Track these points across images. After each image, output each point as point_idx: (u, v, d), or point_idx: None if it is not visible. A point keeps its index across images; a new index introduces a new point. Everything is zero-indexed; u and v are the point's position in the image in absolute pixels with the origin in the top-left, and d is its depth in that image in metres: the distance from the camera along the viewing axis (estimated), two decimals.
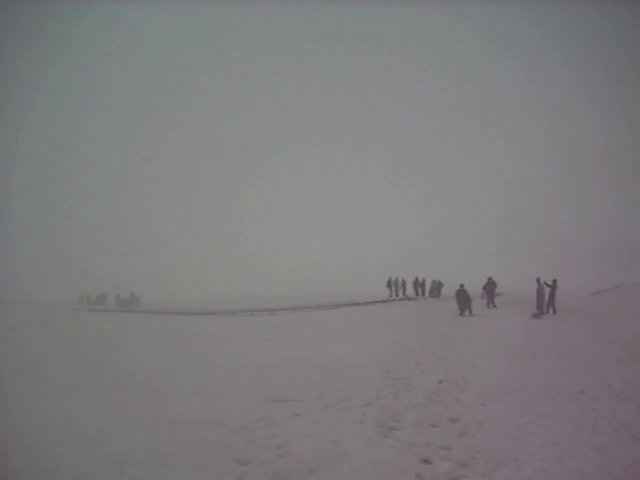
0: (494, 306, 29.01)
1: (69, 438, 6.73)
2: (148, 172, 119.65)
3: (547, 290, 23.27)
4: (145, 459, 6.00)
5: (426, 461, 5.90)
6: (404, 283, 40.27)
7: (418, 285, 39.74)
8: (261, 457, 6.16)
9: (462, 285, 26.23)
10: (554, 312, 22.95)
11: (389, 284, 40.96)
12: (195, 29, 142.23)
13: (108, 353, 15.70)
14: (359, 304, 35.79)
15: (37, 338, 19.08)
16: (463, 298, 25.57)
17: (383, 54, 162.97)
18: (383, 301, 37.36)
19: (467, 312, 25.26)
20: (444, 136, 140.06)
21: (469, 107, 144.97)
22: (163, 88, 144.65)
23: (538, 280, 23.37)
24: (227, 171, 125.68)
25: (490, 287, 29.68)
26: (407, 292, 40.04)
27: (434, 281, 38.68)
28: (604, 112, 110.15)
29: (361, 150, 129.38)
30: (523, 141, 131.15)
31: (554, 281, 23.42)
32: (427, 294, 39.17)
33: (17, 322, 24.96)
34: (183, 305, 39.83)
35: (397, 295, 40.03)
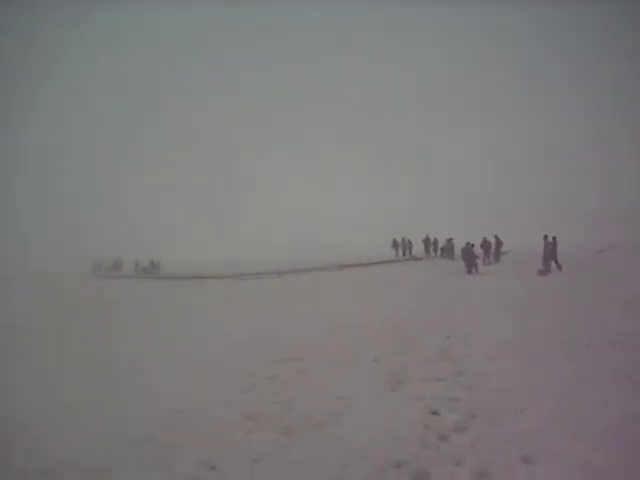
0: (489, 263, 29.30)
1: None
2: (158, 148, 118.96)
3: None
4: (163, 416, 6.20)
5: (435, 413, 6.03)
6: (410, 243, 39.89)
7: (429, 244, 39.11)
8: (269, 412, 6.33)
9: (469, 243, 26.32)
10: (559, 268, 22.95)
11: (394, 244, 40.84)
12: (186, 25, 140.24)
13: (144, 321, 16.01)
14: (363, 265, 35.85)
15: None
16: (470, 256, 25.65)
17: (374, 45, 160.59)
18: (388, 262, 37.29)
19: (474, 270, 25.36)
20: (440, 126, 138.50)
21: (465, 97, 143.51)
22: (161, 86, 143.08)
23: (545, 237, 23.32)
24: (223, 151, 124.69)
25: (486, 245, 29.99)
26: (413, 252, 39.73)
27: (448, 240, 36.94)
28: (600, 103, 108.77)
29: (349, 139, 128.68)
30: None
31: (554, 238, 23.37)
32: (439, 253, 38.18)
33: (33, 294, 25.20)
34: (201, 270, 39.69)
35: (404, 255, 39.80)
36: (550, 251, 23.02)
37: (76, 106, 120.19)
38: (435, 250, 38.39)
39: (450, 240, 35.55)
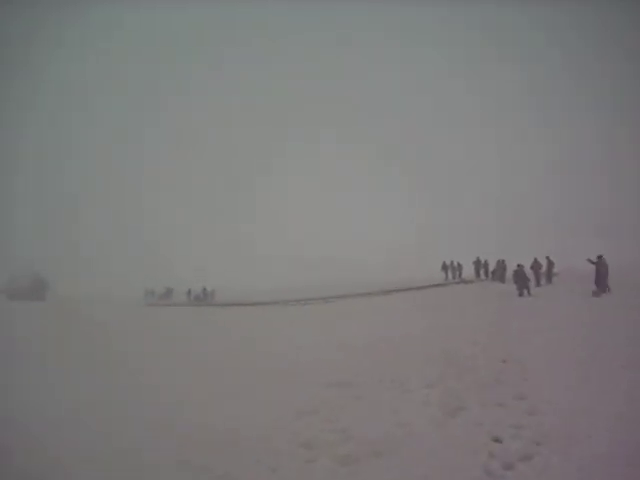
0: (541, 284, 28.51)
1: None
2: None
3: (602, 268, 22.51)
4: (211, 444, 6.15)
5: (497, 440, 5.82)
6: (460, 266, 39.40)
7: (480, 266, 38.45)
8: (325, 440, 6.20)
9: (519, 265, 25.77)
10: (608, 289, 22.18)
11: (444, 267, 40.36)
12: (186, 25, 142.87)
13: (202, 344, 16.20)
14: (411, 289, 35.43)
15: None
16: (521, 278, 25.09)
17: (374, 45, 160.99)
18: (437, 285, 36.78)
19: (525, 292, 24.77)
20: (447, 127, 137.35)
21: (467, 100, 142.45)
22: (161, 86, 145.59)
23: (599, 257, 22.64)
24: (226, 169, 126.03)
25: (537, 266, 29.24)
26: (463, 275, 39.16)
27: (499, 261, 36.03)
28: (603, 106, 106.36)
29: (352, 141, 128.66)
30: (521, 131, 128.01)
31: (600, 257, 22.64)
32: (490, 276, 37.34)
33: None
34: (251, 297, 39.92)
35: (453, 278, 39.27)
36: (603, 272, 22.29)
37: (76, 106, 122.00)
38: (486, 273, 37.66)
39: (502, 262, 34.69)
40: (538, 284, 28.39)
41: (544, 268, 29.65)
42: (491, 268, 36.63)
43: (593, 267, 22.63)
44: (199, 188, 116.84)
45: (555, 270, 30.22)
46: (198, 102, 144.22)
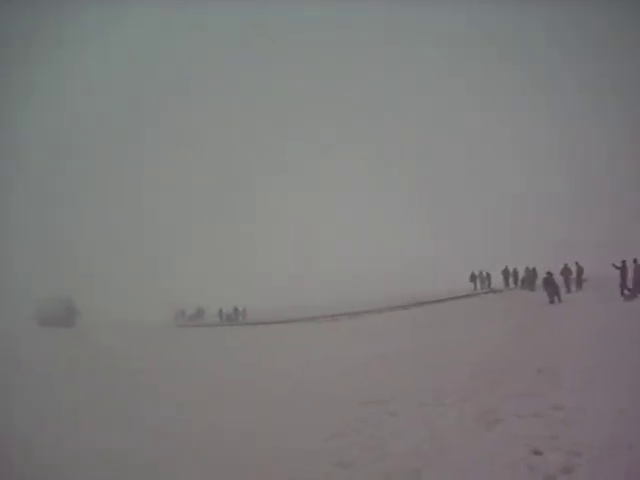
0: (571, 291, 28.08)
1: None
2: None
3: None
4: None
5: (537, 452, 5.70)
6: (489, 275, 39.06)
7: (508, 275, 38.05)
8: (363, 459, 6.14)
9: (549, 273, 25.47)
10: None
11: (472, 277, 40.03)
12: (186, 25, 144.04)
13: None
14: (440, 301, 35.18)
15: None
16: (551, 285, 24.80)
17: (374, 45, 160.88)
18: (466, 296, 36.45)
19: (556, 299, 24.46)
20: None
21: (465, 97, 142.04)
22: (161, 86, 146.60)
23: (624, 262, 22.25)
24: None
25: (567, 273, 28.86)
26: (492, 285, 38.77)
27: (528, 269, 35.53)
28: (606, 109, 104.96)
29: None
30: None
31: (624, 262, 22.23)
32: (519, 285, 36.87)
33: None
34: (283, 315, 39.89)
35: (482, 288, 38.91)
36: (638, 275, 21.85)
37: (76, 106, 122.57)
38: (515, 281, 37.25)
39: (533, 270, 34.19)
40: (569, 290, 28.02)
41: (574, 274, 29.27)
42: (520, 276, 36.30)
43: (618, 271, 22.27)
44: (199, 188, 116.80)
45: (584, 276, 29.81)
46: (198, 102, 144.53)
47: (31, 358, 18.15)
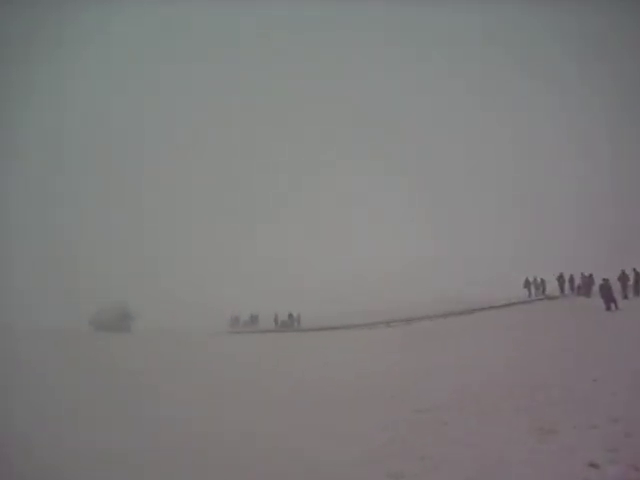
0: (625, 298, 27.23)
1: None
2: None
3: None
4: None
5: (593, 465, 5.59)
6: (543, 282, 38.25)
7: (564, 281, 37.13)
8: (415, 470, 6.11)
9: (605, 279, 24.82)
10: None
11: (527, 284, 39.25)
12: (186, 25, 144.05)
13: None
14: (494, 307, 34.58)
15: None
16: (608, 292, 24.15)
17: (374, 45, 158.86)
18: (520, 302, 35.71)
19: (613, 306, 23.79)
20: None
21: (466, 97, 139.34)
22: (161, 86, 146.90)
23: None
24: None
25: (624, 279, 28.04)
26: (547, 291, 37.95)
27: (584, 276, 34.58)
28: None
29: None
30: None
31: None
32: (575, 291, 35.95)
33: None
34: (339, 321, 39.77)
35: (536, 295, 38.10)
36: None
37: (76, 106, 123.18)
38: (572, 287, 36.35)
39: (589, 276, 33.30)
40: (625, 297, 27.24)
41: (631, 280, 28.45)
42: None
43: None
44: (199, 188, 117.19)
45: None
46: (198, 102, 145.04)
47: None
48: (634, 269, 28.48)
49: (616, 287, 26.21)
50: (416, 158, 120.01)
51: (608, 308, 23.59)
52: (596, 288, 27.05)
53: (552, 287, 37.26)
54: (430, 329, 27.22)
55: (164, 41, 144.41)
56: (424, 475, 5.95)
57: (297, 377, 15.65)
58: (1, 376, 13.71)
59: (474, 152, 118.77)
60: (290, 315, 46.15)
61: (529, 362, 12.73)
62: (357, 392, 11.70)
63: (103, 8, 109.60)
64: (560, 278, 36.75)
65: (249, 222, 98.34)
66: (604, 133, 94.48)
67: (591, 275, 32.64)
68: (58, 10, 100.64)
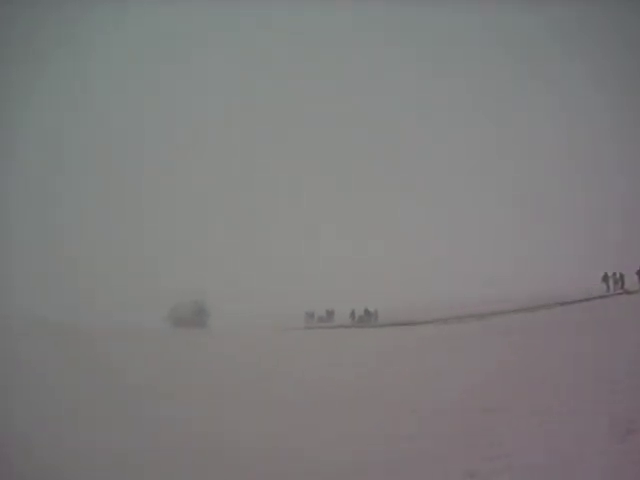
0: None
1: None
2: None
3: None
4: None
5: None
6: (622, 276, 37.01)
7: None
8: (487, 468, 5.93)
9: None
10: None
11: (605, 278, 38.09)
12: (186, 25, 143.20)
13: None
14: (567, 303, 33.40)
15: None
16: None
17: (374, 45, 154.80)
18: (597, 297, 34.46)
19: None
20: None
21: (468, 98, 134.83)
22: (161, 86, 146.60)
23: None
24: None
25: None
26: (626, 286, 36.63)
27: None
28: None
29: None
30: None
31: None
32: None
33: None
34: (415, 315, 39.25)
35: (614, 290, 36.86)
36: None
37: (76, 106, 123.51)
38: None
39: None
40: None
41: None
42: None
43: None
44: (199, 188, 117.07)
45: None
46: (198, 102, 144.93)
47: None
48: None
49: None
50: (416, 157, 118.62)
51: None
52: None
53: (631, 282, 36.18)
54: (498, 326, 26.56)
55: (165, 41, 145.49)
56: (496, 475, 5.76)
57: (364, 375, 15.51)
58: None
59: (473, 152, 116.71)
60: (366, 310, 45.61)
61: (606, 358, 12.28)
62: (424, 390, 11.53)
63: (104, 8, 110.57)
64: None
65: (314, 220, 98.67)
66: (604, 133, 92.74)
67: None
68: (58, 10, 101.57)
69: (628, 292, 34.49)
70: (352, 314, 45.99)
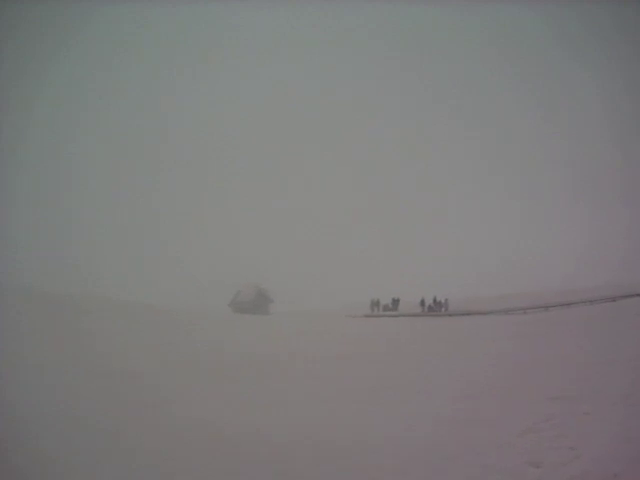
0: None
1: None
2: None
3: None
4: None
5: None
6: None
7: None
8: (554, 459, 5.87)
9: None
10: None
11: None
12: (186, 25, 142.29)
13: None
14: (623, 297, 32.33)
15: None
16: None
17: (374, 45, 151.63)
18: None
19: None
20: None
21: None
22: (161, 86, 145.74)
23: None
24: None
25: None
26: None
27: None
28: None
29: None
30: None
31: None
32: None
33: None
34: (490, 305, 38.89)
35: None
36: None
37: (76, 106, 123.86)
38: None
39: None
40: None
41: None
42: None
43: None
44: (265, 176, 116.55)
45: None
46: (198, 102, 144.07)
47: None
48: None
49: None
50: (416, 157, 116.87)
51: None
52: None
53: None
54: (565, 317, 25.93)
55: (164, 41, 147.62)
56: (564, 465, 5.68)
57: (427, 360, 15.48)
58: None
59: (474, 152, 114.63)
60: (435, 299, 44.77)
61: None
62: (491, 378, 11.42)
63: (105, 9, 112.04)
64: None
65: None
66: (605, 133, 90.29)
67: None
68: (59, 10, 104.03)
69: None
70: (422, 303, 44.90)
